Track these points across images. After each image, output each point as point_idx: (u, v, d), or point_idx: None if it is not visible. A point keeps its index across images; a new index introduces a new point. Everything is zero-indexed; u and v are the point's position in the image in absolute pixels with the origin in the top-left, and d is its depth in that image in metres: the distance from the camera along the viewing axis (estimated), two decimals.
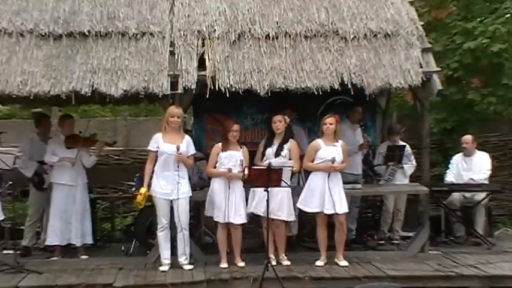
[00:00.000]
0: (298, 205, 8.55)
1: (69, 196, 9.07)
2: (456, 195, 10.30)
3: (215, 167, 8.51)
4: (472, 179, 10.18)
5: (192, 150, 8.55)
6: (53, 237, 9.08)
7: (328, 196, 8.32)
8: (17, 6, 9.47)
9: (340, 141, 8.62)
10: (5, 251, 9.35)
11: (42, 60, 8.87)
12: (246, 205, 8.51)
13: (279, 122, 8.60)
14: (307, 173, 8.87)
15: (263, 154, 8.60)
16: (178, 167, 8.31)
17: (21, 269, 8.31)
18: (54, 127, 10.07)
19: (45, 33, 9.16)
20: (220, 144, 8.57)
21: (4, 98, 9.00)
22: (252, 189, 8.42)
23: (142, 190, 8.32)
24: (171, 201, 8.32)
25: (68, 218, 9.05)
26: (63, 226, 9.05)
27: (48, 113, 11.11)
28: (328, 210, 8.35)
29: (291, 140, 8.68)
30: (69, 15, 9.39)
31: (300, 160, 8.77)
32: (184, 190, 8.36)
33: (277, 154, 8.54)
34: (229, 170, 8.34)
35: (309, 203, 8.44)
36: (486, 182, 10.22)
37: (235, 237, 8.50)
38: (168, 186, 8.30)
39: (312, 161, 8.54)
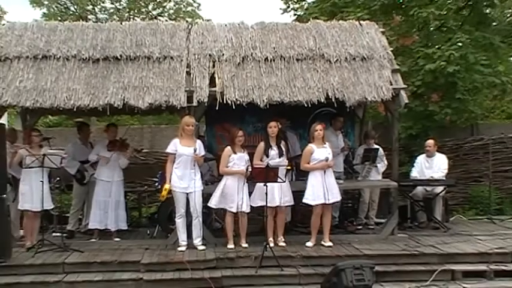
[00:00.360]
0: (305, 201, 8.46)
1: (106, 190, 9.02)
2: (419, 189, 10.25)
3: (227, 167, 8.43)
4: (432, 176, 10.13)
5: (203, 152, 8.51)
6: (93, 222, 9.07)
7: (325, 189, 8.31)
8: (64, 36, 9.47)
9: (327, 143, 8.61)
10: (53, 234, 9.33)
11: (83, 80, 8.86)
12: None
13: (274, 127, 8.54)
14: (298, 170, 8.85)
15: (267, 155, 8.45)
16: (194, 165, 8.27)
17: (66, 248, 8.30)
18: (93, 133, 10.04)
19: (86, 58, 9.14)
20: (229, 148, 8.50)
21: (53, 110, 8.96)
22: (259, 185, 8.28)
23: (167, 186, 8.28)
24: (187, 194, 8.27)
25: (106, 208, 9.01)
26: (101, 214, 9.02)
27: (88, 122, 11.07)
28: (329, 200, 8.35)
29: (282, 141, 8.66)
30: (105, 42, 9.39)
31: (290, 160, 8.76)
32: (198, 185, 8.32)
33: (281, 154, 8.49)
34: (247, 169, 8.29)
35: (315, 197, 8.36)
36: (443, 178, 10.16)
37: (242, 223, 8.43)
38: (185, 182, 8.25)
39: (308, 163, 8.49)
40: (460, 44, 12.08)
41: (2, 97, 8.50)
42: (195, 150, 8.23)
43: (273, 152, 8.47)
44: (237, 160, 8.38)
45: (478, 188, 12.50)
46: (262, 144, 8.56)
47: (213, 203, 8.45)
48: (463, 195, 12.62)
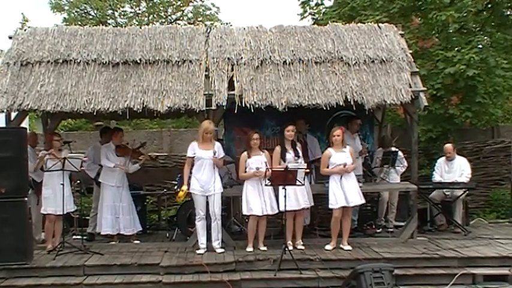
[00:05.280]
0: (330, 206, 8.41)
1: (115, 195, 9.08)
2: (439, 192, 10.19)
3: (245, 172, 8.43)
4: (456, 180, 10.08)
5: (222, 154, 8.54)
6: (105, 228, 9.11)
7: (345, 192, 8.32)
8: (84, 40, 9.53)
9: (347, 147, 8.58)
10: (74, 237, 9.42)
11: (103, 83, 8.90)
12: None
13: (292, 131, 8.53)
14: (317, 173, 8.82)
15: (283, 159, 8.41)
16: (213, 168, 8.30)
17: (87, 251, 8.37)
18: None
19: (106, 62, 9.19)
20: (245, 152, 8.52)
21: (73, 113, 9.05)
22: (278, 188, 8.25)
23: (184, 188, 8.32)
24: (207, 196, 8.30)
25: (117, 213, 9.06)
26: (113, 219, 9.06)
27: (109, 126, 11.14)
28: (351, 203, 8.36)
29: (296, 143, 8.66)
30: (125, 47, 9.43)
31: (309, 163, 8.76)
32: (218, 187, 8.35)
33: (297, 156, 8.48)
34: (257, 168, 8.28)
35: (337, 201, 8.34)
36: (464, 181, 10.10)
37: (261, 226, 8.43)
38: (204, 185, 8.28)
39: (328, 167, 8.47)
40: (480, 46, 11.97)
41: (24, 101, 8.58)
42: (214, 153, 8.27)
43: (289, 155, 8.45)
44: (251, 164, 8.38)
45: (499, 191, 12.39)
46: (278, 149, 8.54)
47: (245, 210, 8.44)
48: (484, 198, 12.51)
